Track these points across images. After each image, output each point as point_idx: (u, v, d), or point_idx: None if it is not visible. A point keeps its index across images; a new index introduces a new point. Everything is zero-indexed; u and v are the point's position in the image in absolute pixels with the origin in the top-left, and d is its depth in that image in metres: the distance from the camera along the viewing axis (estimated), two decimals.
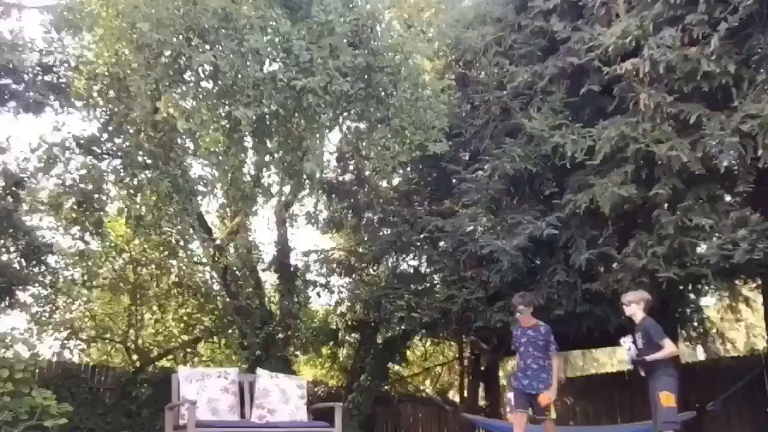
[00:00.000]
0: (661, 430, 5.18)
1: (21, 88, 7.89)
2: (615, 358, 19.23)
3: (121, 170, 8.13)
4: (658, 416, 5.18)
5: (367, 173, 11.11)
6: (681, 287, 8.23)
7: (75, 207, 8.24)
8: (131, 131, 7.85)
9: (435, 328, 9.47)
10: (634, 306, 5.50)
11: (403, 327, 9.70)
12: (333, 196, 11.15)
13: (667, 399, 5.11)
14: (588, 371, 18.57)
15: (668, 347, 5.25)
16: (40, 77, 8.14)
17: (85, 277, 9.45)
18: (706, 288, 9.30)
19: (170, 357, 10.85)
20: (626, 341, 5.52)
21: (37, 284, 8.75)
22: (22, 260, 8.26)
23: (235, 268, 10.44)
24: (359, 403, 10.62)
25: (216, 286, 10.82)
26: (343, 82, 6.96)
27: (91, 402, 8.96)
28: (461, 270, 9.04)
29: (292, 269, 11.24)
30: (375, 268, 11.39)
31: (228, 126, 7.57)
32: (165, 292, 10.64)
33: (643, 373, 5.39)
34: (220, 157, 8.11)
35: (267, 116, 7.44)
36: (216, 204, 10.08)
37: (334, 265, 11.78)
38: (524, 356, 5.88)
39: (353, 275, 11.69)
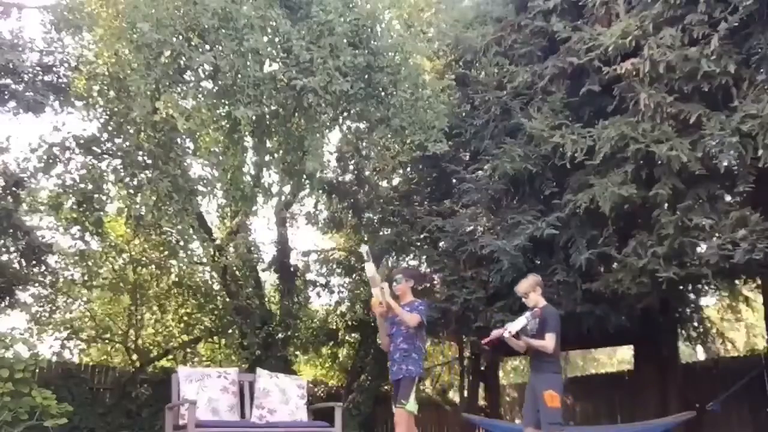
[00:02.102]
0: None
1: (21, 88, 7.85)
2: (615, 359, 19.28)
3: (121, 170, 8.11)
4: (543, 417, 4.97)
5: (367, 173, 11.11)
6: (681, 287, 8.21)
7: (75, 207, 8.24)
8: (131, 131, 7.84)
9: (435, 328, 9.45)
10: (533, 295, 5.28)
11: None
12: (333, 196, 11.15)
13: (551, 399, 4.94)
14: (588, 371, 18.60)
15: (547, 342, 5.03)
16: (40, 77, 8.09)
17: (85, 277, 9.46)
18: (706, 288, 9.29)
19: (170, 357, 10.84)
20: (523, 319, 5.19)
21: (37, 284, 8.75)
22: (22, 260, 8.25)
23: (235, 268, 10.44)
24: (359, 403, 10.64)
25: (216, 286, 10.82)
26: (343, 82, 6.97)
27: (91, 402, 8.97)
28: (461, 270, 9.03)
29: (292, 269, 11.25)
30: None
31: (228, 126, 7.58)
32: (165, 292, 10.63)
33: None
34: (220, 157, 8.13)
35: (267, 116, 7.45)
36: (216, 204, 10.08)
37: (334, 265, 11.79)
38: (395, 336, 5.18)
39: (353, 275, 11.69)
